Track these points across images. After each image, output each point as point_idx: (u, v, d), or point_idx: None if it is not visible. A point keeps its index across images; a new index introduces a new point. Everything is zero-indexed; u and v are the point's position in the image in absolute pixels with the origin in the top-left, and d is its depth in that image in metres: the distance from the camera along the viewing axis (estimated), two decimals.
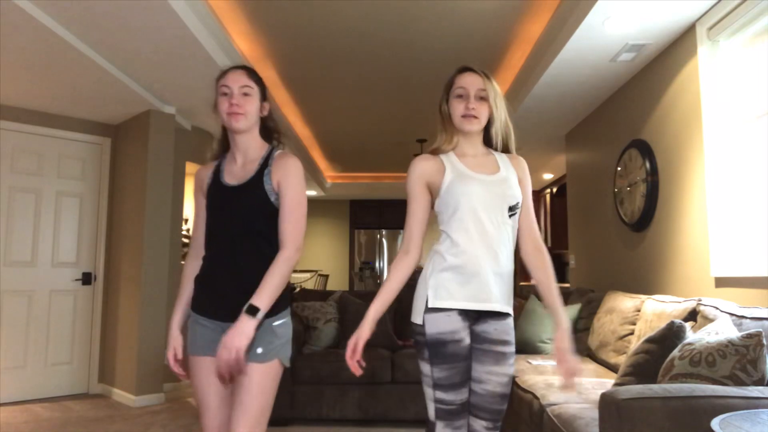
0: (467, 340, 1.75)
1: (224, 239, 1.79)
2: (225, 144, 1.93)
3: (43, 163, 4.72)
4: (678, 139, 3.34)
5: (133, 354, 4.47)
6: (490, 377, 1.76)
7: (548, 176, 7.76)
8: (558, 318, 1.80)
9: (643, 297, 3.22)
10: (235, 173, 1.84)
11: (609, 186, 4.37)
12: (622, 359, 3.01)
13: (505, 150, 1.94)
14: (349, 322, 4.14)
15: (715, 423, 1.38)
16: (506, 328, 1.79)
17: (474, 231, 1.76)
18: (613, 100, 4.36)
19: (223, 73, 1.87)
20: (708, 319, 2.35)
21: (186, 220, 5.61)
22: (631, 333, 3.11)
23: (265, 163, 1.83)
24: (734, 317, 2.24)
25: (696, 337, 2.07)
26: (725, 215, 2.91)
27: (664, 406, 1.67)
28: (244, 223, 1.77)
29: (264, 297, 1.68)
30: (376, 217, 10.18)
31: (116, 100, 4.44)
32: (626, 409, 1.69)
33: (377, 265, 10.16)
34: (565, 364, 1.73)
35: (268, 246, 1.78)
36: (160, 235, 4.65)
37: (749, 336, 1.86)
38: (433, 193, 1.87)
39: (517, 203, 1.81)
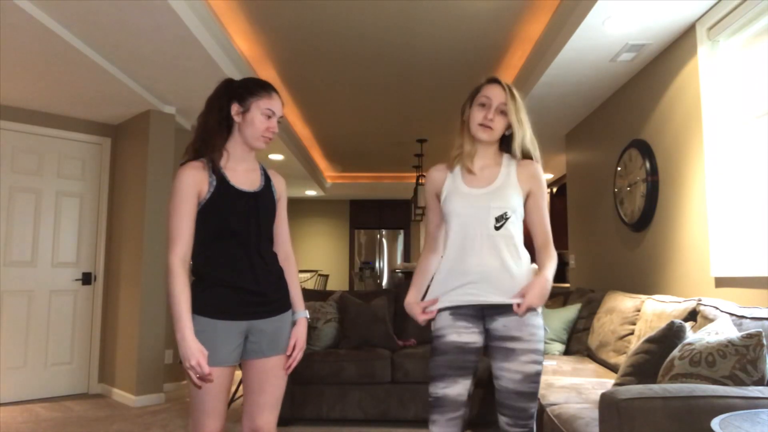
0: (452, 337, 1.88)
1: (251, 241, 1.87)
2: (216, 140, 1.90)
3: (43, 163, 4.72)
4: (678, 139, 3.34)
5: (133, 354, 4.47)
6: (503, 373, 1.84)
7: (548, 176, 7.77)
8: (540, 270, 1.89)
9: (643, 297, 3.22)
10: (241, 179, 1.90)
11: (609, 186, 4.37)
12: (622, 359, 3.01)
13: (527, 155, 2.00)
14: (349, 322, 4.14)
15: (715, 423, 1.38)
16: (517, 325, 1.83)
17: (461, 242, 1.91)
18: (613, 100, 4.36)
19: (269, 93, 1.92)
20: (708, 319, 2.35)
21: None
22: (631, 333, 3.11)
23: (266, 176, 2.00)
24: (734, 317, 2.24)
25: (696, 337, 2.07)
26: (725, 215, 2.91)
27: (664, 406, 1.67)
28: (268, 225, 1.94)
29: (302, 301, 2.01)
30: (376, 217, 10.18)
31: (116, 100, 4.44)
32: (626, 409, 1.69)
33: (377, 265, 10.16)
34: (525, 289, 1.81)
35: (273, 245, 1.99)
36: (160, 235, 4.66)
37: (749, 336, 1.86)
38: (441, 203, 2.03)
39: (504, 213, 1.89)
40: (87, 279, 4.88)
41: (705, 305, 2.48)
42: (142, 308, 4.49)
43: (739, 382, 1.81)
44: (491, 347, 1.87)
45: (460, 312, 1.88)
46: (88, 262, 4.92)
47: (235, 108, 1.89)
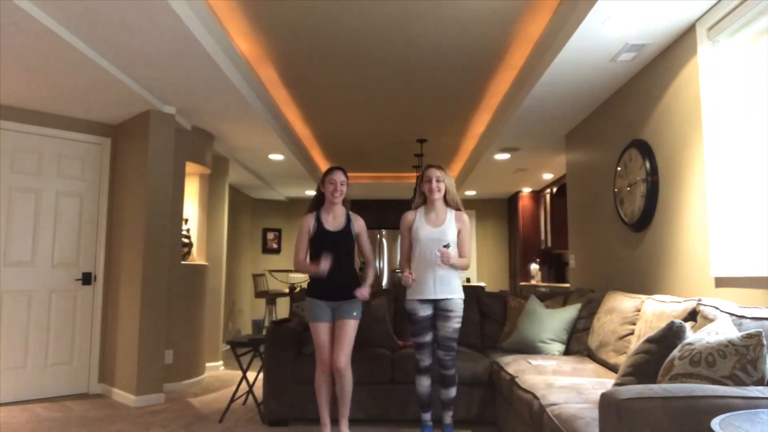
0: (421, 313, 3.41)
1: (335, 259, 3.33)
2: (320, 202, 3.51)
3: (43, 163, 4.72)
4: (678, 139, 3.34)
5: (133, 354, 4.47)
6: (443, 328, 3.38)
7: (548, 176, 7.76)
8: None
9: (643, 297, 3.22)
10: (331, 223, 3.45)
11: (609, 186, 4.37)
12: (622, 359, 3.01)
13: (457, 207, 3.51)
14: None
15: (715, 423, 1.38)
16: (451, 304, 3.38)
17: (423, 258, 3.41)
18: (613, 100, 4.36)
19: (331, 172, 3.46)
20: (708, 319, 2.35)
21: (186, 220, 5.61)
22: (631, 333, 3.11)
23: (348, 219, 3.49)
24: (734, 317, 2.24)
25: (696, 337, 2.07)
26: (725, 215, 2.91)
27: (664, 406, 1.67)
28: (346, 251, 3.45)
29: (369, 281, 3.48)
30: (376, 217, 10.17)
31: (116, 100, 4.44)
32: (626, 409, 1.69)
33: (377, 265, 10.16)
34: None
35: (353, 261, 3.51)
36: (160, 235, 4.66)
37: (749, 336, 1.86)
38: (410, 232, 3.53)
39: (448, 243, 3.35)
40: (87, 279, 4.88)
41: (705, 305, 2.48)
42: (142, 308, 4.49)
43: (739, 382, 1.81)
44: (438, 315, 3.40)
45: (423, 301, 3.43)
46: (88, 262, 4.92)
47: (322, 185, 3.48)
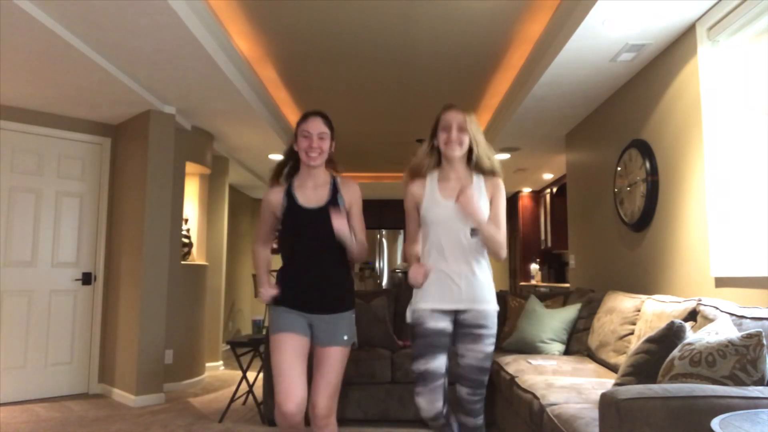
0: (432, 323, 2.27)
1: (313, 252, 2.31)
2: (295, 167, 2.43)
3: (43, 163, 4.72)
4: (678, 139, 3.34)
5: (133, 354, 4.47)
6: (468, 353, 2.26)
7: (548, 176, 7.76)
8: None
9: (643, 297, 3.22)
10: (309, 197, 2.35)
11: (609, 186, 4.37)
12: (622, 359, 3.01)
13: (491, 170, 2.36)
14: None
15: (715, 423, 1.38)
16: (482, 318, 2.26)
17: (438, 248, 2.31)
18: (613, 100, 4.36)
19: (305, 118, 2.37)
20: (708, 319, 2.34)
21: (186, 220, 5.61)
22: (631, 333, 3.11)
23: (334, 188, 2.38)
24: (734, 317, 2.24)
25: (696, 337, 2.07)
26: (725, 215, 2.91)
27: (664, 406, 1.67)
28: (329, 237, 2.25)
29: (356, 241, 2.34)
30: (376, 217, 10.16)
31: (116, 100, 4.44)
32: (626, 409, 1.69)
33: (377, 265, 10.16)
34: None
35: (339, 249, 2.31)
36: (160, 235, 4.66)
37: (749, 336, 1.86)
38: (418, 210, 2.41)
39: (475, 228, 2.24)
40: (87, 279, 4.88)
41: (705, 305, 2.48)
42: (142, 308, 4.49)
43: (739, 382, 1.81)
44: (459, 333, 2.29)
45: (437, 310, 2.31)
46: (88, 262, 4.92)
47: (294, 141, 2.39)
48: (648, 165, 3.64)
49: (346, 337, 2.30)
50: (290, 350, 2.22)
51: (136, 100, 4.43)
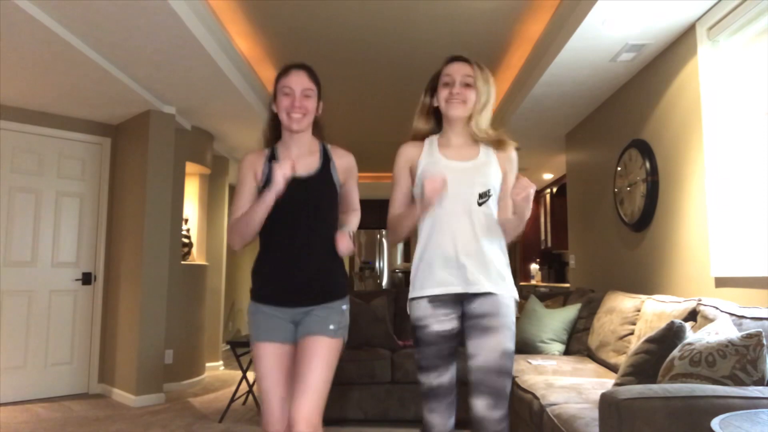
0: (437, 325, 1.85)
1: (299, 231, 1.91)
2: (275, 133, 2.05)
3: (43, 163, 4.72)
4: (678, 139, 3.34)
5: (133, 354, 4.47)
6: (481, 351, 1.80)
7: (548, 176, 7.76)
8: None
9: (643, 297, 3.22)
10: (295, 165, 1.91)
11: (609, 186, 4.37)
12: (622, 359, 3.01)
13: (498, 139, 1.96)
14: (349, 322, 4.13)
15: (715, 423, 1.38)
16: (494, 304, 1.83)
17: (438, 219, 1.86)
18: (613, 100, 4.36)
19: (286, 72, 1.97)
20: (708, 319, 2.34)
21: (186, 220, 5.61)
22: (631, 333, 3.11)
23: (325, 157, 2.02)
24: (734, 317, 2.24)
25: (696, 337, 2.07)
26: (725, 215, 2.91)
27: (664, 406, 1.67)
28: (319, 211, 1.94)
29: (351, 227, 2.03)
30: (376, 217, 10.15)
31: (116, 100, 4.44)
32: (626, 409, 1.69)
33: (377, 265, 10.16)
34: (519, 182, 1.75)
35: (332, 229, 1.98)
36: (160, 235, 4.65)
37: (749, 336, 1.86)
38: (412, 177, 1.98)
39: (488, 190, 1.86)
40: (87, 279, 4.88)
41: (705, 305, 2.48)
42: (142, 308, 4.49)
43: (739, 382, 1.81)
44: (467, 327, 1.85)
45: (438, 299, 1.87)
46: (88, 262, 4.92)
47: (273, 101, 2.00)
48: (648, 165, 3.64)
49: (332, 327, 1.88)
50: (272, 365, 1.90)
51: (136, 100, 4.43)
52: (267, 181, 1.90)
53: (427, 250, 1.88)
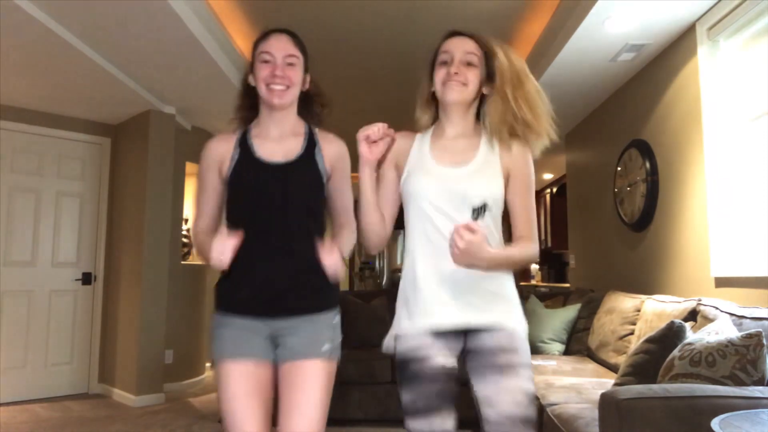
0: (440, 359, 1.46)
1: (277, 225, 1.55)
2: (251, 111, 1.70)
3: (43, 163, 4.72)
4: (678, 139, 3.34)
5: (133, 354, 4.47)
6: (499, 397, 1.42)
7: (548, 176, 7.76)
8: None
9: (643, 297, 3.22)
10: (272, 149, 1.61)
11: (609, 186, 4.37)
12: (622, 359, 3.01)
13: (511, 131, 1.55)
14: (349, 322, 4.12)
15: (715, 423, 1.38)
16: (509, 336, 1.49)
17: (425, 236, 1.52)
18: (613, 100, 4.36)
19: (265, 37, 1.65)
20: (708, 319, 2.34)
21: (186, 220, 5.61)
22: (631, 333, 3.11)
23: (310, 140, 1.66)
24: (734, 317, 2.24)
25: (696, 337, 2.07)
26: (725, 215, 2.91)
27: (665, 406, 1.67)
28: (299, 202, 1.58)
29: (343, 244, 1.63)
30: None
31: (116, 100, 4.43)
32: (626, 409, 1.69)
33: (377, 265, 10.16)
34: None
35: (315, 223, 1.64)
36: (160, 235, 4.66)
37: (749, 336, 1.86)
38: (397, 171, 1.63)
39: (484, 205, 1.48)
40: (87, 279, 4.88)
41: (705, 305, 2.48)
42: (142, 308, 4.49)
43: (739, 382, 1.81)
44: (477, 366, 1.47)
45: (437, 332, 1.48)
46: (88, 262, 4.92)
47: (250, 70, 1.68)
48: (648, 165, 3.64)
49: (326, 346, 1.54)
50: (245, 391, 1.48)
51: (136, 100, 4.43)
52: (235, 173, 1.59)
53: (417, 272, 1.51)
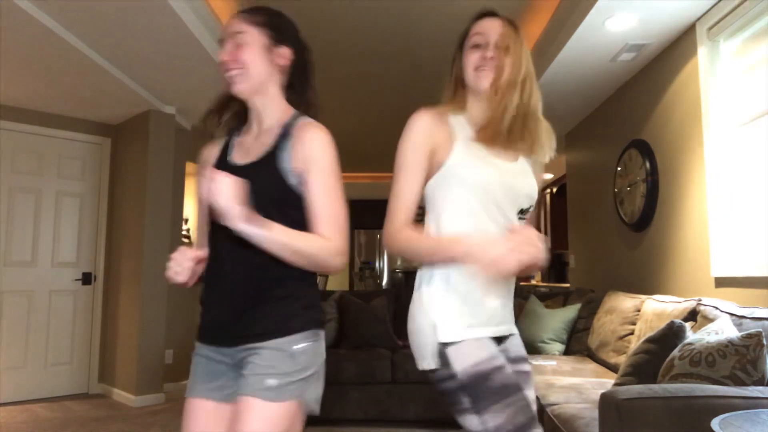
0: (509, 368, 1.30)
1: (230, 236, 1.26)
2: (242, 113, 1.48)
3: (43, 163, 4.72)
4: (678, 139, 3.34)
5: (133, 354, 4.47)
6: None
7: (548, 176, 7.76)
8: None
9: (643, 297, 3.22)
10: (248, 148, 1.39)
11: (609, 186, 4.37)
12: (622, 359, 3.01)
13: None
14: (349, 322, 4.14)
15: (715, 423, 1.38)
16: (521, 344, 1.46)
17: (483, 231, 1.32)
18: (613, 100, 4.36)
19: (229, 21, 1.44)
20: (708, 319, 2.34)
21: (186, 220, 5.61)
22: (631, 333, 3.11)
23: (285, 134, 1.36)
24: (734, 317, 2.24)
25: (696, 337, 2.07)
26: (725, 215, 2.91)
27: (665, 406, 1.67)
28: (259, 209, 1.26)
29: (274, 227, 1.25)
30: (376, 217, 10.16)
31: (116, 100, 4.44)
32: (626, 409, 1.69)
33: (377, 265, 10.16)
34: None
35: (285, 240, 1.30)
36: (160, 235, 4.66)
37: (749, 336, 1.86)
38: (431, 169, 1.38)
39: (531, 207, 1.39)
40: (87, 279, 4.88)
41: (705, 305, 2.48)
42: (142, 308, 4.49)
43: (739, 382, 1.81)
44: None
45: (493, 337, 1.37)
46: (88, 262, 4.92)
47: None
48: (648, 165, 3.64)
49: (271, 382, 1.24)
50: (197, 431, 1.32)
51: (136, 100, 4.43)
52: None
53: (462, 275, 1.30)
